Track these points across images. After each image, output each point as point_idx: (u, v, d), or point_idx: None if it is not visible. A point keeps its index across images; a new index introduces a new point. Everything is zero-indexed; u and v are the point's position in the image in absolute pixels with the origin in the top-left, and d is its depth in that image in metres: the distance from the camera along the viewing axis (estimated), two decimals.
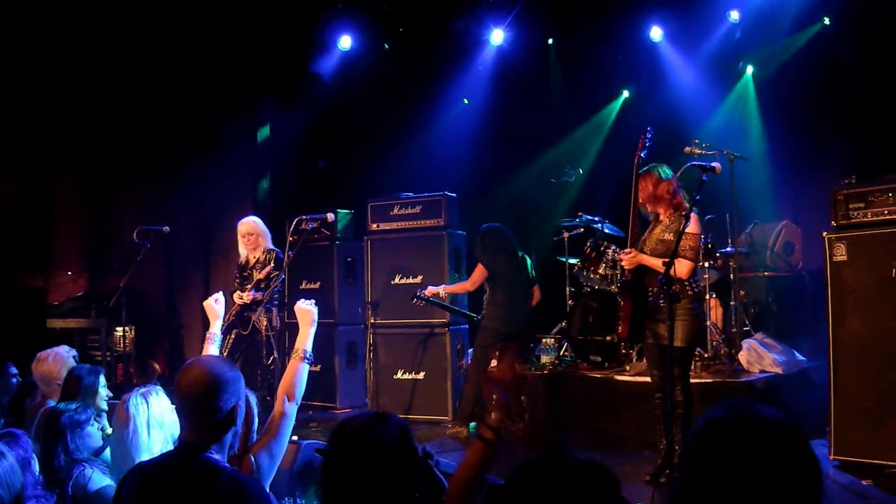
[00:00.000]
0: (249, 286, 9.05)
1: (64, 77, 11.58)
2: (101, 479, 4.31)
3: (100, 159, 12.57)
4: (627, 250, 6.69)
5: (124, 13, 11.02)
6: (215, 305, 5.02)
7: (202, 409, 3.22)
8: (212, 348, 4.75)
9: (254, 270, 9.18)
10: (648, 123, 7.07)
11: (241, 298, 8.94)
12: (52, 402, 5.70)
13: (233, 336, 9.03)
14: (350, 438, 2.83)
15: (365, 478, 2.78)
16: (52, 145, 12.18)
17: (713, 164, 6.09)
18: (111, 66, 11.63)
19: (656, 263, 6.37)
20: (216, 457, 3.21)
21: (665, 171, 6.72)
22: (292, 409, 4.05)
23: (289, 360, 4.34)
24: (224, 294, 5.19)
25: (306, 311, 4.54)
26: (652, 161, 6.88)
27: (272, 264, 9.08)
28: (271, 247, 9.35)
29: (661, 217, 6.75)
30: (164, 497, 3.14)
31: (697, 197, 6.11)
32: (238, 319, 9.02)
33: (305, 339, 4.42)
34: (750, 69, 12.28)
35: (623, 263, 6.73)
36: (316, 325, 4.53)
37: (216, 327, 4.92)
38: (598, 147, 13.08)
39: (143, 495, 3.17)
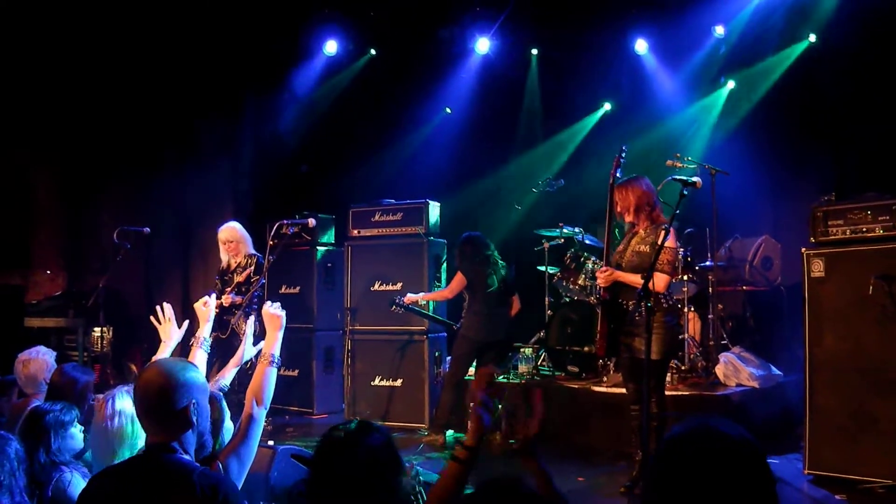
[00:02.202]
0: (229, 289, 9.01)
1: (44, 76, 11.53)
2: (81, 484, 4.26)
3: (79, 159, 12.53)
4: (603, 268, 6.69)
5: (106, 12, 10.98)
6: (204, 309, 4.98)
7: (155, 409, 3.27)
8: (199, 353, 4.71)
9: (234, 274, 9.14)
10: (624, 142, 7.11)
11: (220, 302, 8.88)
12: (36, 402, 5.66)
13: (211, 340, 8.98)
14: (339, 446, 2.86)
15: (354, 485, 2.82)
16: (30, 144, 12.13)
17: (694, 178, 6.11)
18: (91, 64, 11.59)
19: (632, 279, 6.38)
20: (185, 457, 3.24)
21: (646, 182, 6.75)
22: (261, 413, 4.05)
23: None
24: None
25: (275, 315, 4.54)
26: (633, 173, 6.90)
27: (252, 268, 9.05)
28: (252, 252, 9.30)
29: (637, 229, 6.76)
30: (135, 498, 3.14)
31: (677, 211, 6.14)
32: (217, 323, 8.96)
33: (273, 343, 4.42)
34: (731, 84, 12.35)
35: (599, 281, 6.72)
36: (284, 329, 4.52)
37: (205, 331, 4.87)
38: (580, 158, 13.11)
39: (113, 498, 3.18)
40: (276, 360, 4.34)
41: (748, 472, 2.04)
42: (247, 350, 4.94)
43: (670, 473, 2.08)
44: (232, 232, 9.31)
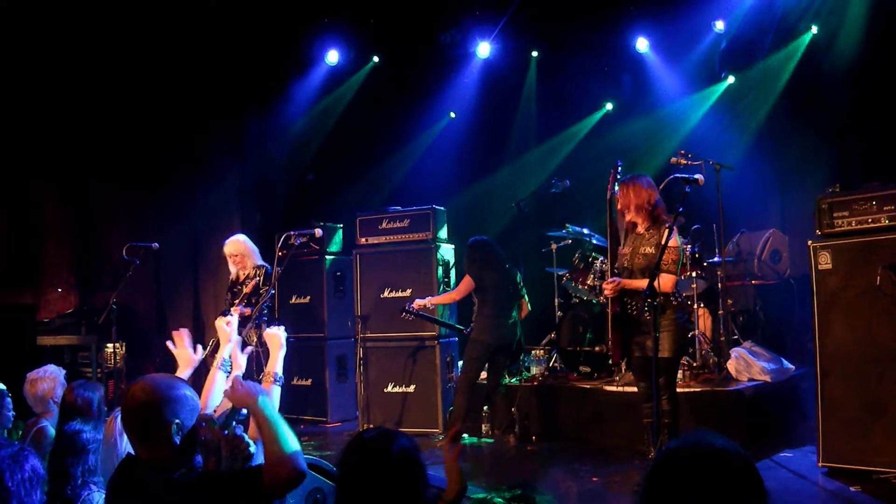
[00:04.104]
0: (238, 301, 9.03)
1: (49, 93, 11.56)
2: None
3: (87, 175, 12.54)
4: (610, 280, 6.65)
5: (111, 27, 11.02)
6: (226, 328, 4.89)
7: (138, 425, 3.26)
8: (218, 374, 4.60)
9: (243, 286, 9.17)
10: (629, 155, 7.13)
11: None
12: (45, 422, 5.68)
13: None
14: (373, 448, 2.94)
15: (381, 488, 2.90)
16: (37, 161, 12.15)
17: (696, 175, 6.11)
18: (95, 79, 11.61)
19: (640, 284, 6.29)
20: (159, 477, 3.19)
21: (648, 180, 6.73)
22: None
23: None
24: (213, 314, 5.13)
25: (275, 335, 4.56)
26: (636, 172, 6.91)
27: (259, 279, 9.07)
28: (260, 263, 9.33)
29: (640, 229, 6.73)
30: None
31: (680, 209, 6.15)
32: None
33: (275, 363, 4.44)
34: (731, 79, 12.34)
35: (606, 293, 6.67)
36: (285, 348, 4.53)
37: (226, 352, 4.77)
38: (584, 158, 13.08)
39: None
40: (278, 379, 4.37)
41: (741, 485, 2.08)
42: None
43: (664, 487, 2.11)
44: (237, 245, 9.34)
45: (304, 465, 3.18)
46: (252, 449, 3.58)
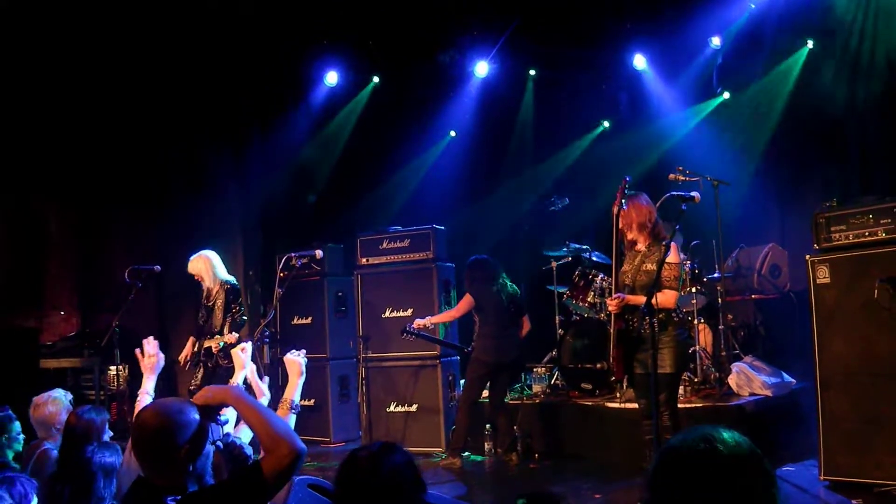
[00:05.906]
0: (215, 339, 8.95)
1: (54, 112, 11.57)
2: None
3: (88, 198, 12.58)
4: (615, 296, 6.65)
5: (114, 49, 11.05)
6: (241, 355, 4.95)
7: (149, 451, 3.20)
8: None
9: (214, 307, 9.09)
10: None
11: (210, 343, 8.83)
12: (48, 445, 5.69)
13: (200, 372, 8.93)
14: (363, 466, 2.93)
15: (377, 502, 2.89)
16: (39, 184, 12.18)
17: (692, 193, 6.15)
18: (99, 100, 11.64)
19: (643, 301, 6.33)
20: (170, 500, 3.13)
21: (646, 199, 6.76)
22: None
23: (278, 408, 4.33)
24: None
25: (294, 361, 4.55)
26: (633, 191, 6.93)
27: (231, 298, 8.98)
28: (224, 278, 9.18)
29: (640, 246, 6.74)
30: None
31: (678, 226, 6.18)
32: (207, 357, 8.89)
33: (293, 390, 4.43)
34: (726, 94, 12.37)
35: (610, 308, 6.69)
36: (304, 376, 4.53)
37: (239, 378, 4.85)
38: (583, 176, 13.12)
39: None
40: (295, 407, 4.36)
41: (750, 479, 2.04)
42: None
43: (669, 482, 2.10)
44: (193, 265, 9.21)
45: (300, 442, 3.14)
46: (248, 451, 3.59)
